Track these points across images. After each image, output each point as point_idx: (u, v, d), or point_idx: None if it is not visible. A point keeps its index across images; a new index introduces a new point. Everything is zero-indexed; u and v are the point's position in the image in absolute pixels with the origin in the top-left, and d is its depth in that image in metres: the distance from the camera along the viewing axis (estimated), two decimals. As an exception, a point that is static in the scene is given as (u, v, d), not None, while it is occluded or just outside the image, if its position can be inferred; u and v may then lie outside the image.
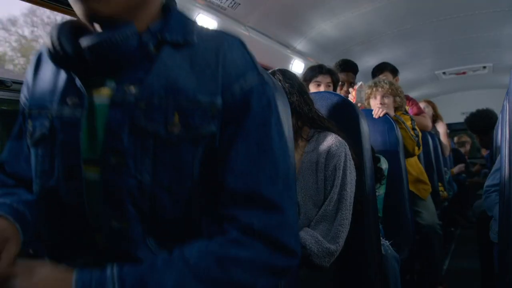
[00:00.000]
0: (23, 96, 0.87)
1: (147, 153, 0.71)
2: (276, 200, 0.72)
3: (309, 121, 1.62)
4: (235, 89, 0.73)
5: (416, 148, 2.61)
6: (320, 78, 2.63)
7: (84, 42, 0.70)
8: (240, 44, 0.78)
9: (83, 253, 0.77)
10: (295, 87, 1.61)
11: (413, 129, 2.70)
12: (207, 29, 0.80)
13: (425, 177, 2.94)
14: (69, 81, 0.77)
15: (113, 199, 0.72)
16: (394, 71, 3.52)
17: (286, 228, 0.72)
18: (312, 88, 2.59)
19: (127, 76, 0.73)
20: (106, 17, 0.69)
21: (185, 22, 0.79)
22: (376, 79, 2.87)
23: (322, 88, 2.62)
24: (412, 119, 2.78)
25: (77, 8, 0.69)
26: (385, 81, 2.80)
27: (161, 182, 0.71)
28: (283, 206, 0.73)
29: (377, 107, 2.46)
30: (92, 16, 0.69)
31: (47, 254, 0.84)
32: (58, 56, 0.75)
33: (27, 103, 0.85)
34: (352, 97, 2.92)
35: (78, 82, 0.75)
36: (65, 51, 0.73)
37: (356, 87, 2.73)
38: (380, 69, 3.54)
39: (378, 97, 2.74)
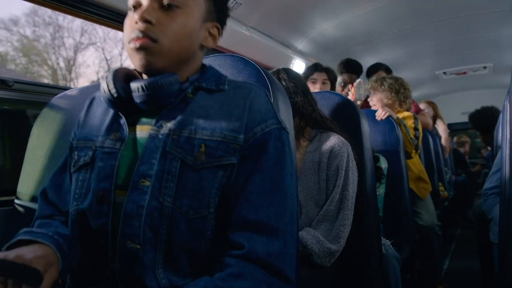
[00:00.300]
0: (73, 133, 1.01)
1: (172, 178, 0.81)
2: (280, 231, 0.81)
3: (312, 121, 1.62)
4: (257, 131, 0.85)
5: (414, 151, 2.63)
6: (315, 75, 2.66)
7: (134, 84, 0.85)
8: (265, 94, 0.91)
9: (98, 277, 0.85)
10: (299, 87, 1.62)
11: (416, 129, 2.71)
12: (237, 81, 0.95)
13: (425, 176, 2.94)
14: (115, 119, 0.92)
15: (133, 221, 0.80)
16: (388, 71, 3.53)
17: (286, 257, 0.81)
18: (309, 86, 2.61)
19: (166, 115, 0.86)
20: (158, 69, 0.86)
21: (219, 75, 0.95)
22: (380, 77, 2.89)
23: (318, 86, 2.65)
24: (415, 118, 2.78)
25: (136, 60, 0.85)
26: (392, 77, 2.84)
27: (181, 207, 0.80)
28: (285, 238, 0.81)
29: (380, 109, 2.47)
30: (147, 67, 0.85)
31: (70, 277, 0.93)
32: (110, 97, 0.88)
33: (75, 138, 0.99)
34: (350, 94, 2.95)
35: (122, 119, 0.90)
36: (117, 92, 0.87)
37: (354, 84, 2.74)
38: (375, 69, 3.56)
39: (379, 94, 2.77)
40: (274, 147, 0.85)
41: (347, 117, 1.77)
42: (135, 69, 0.93)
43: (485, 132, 4.48)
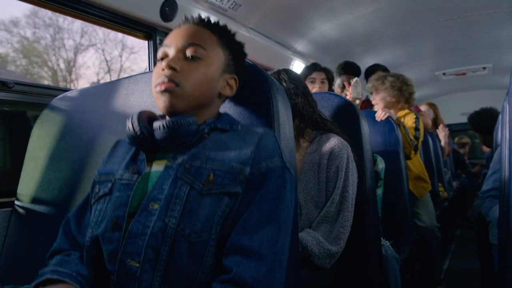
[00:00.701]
0: (97, 171, 1.09)
1: (179, 201, 0.87)
2: (269, 258, 0.85)
3: (312, 123, 1.62)
4: (262, 166, 0.91)
5: (413, 152, 2.64)
6: (314, 75, 2.70)
7: (157, 123, 0.94)
8: (273, 135, 0.98)
9: None
10: (300, 89, 1.62)
11: (417, 129, 2.71)
12: (249, 125, 1.05)
13: (425, 175, 2.94)
14: (135, 156, 1.01)
15: (137, 239, 0.85)
16: (386, 72, 3.55)
17: (272, 284, 0.84)
18: (308, 85, 2.63)
19: (182, 150, 0.95)
20: (180, 111, 0.95)
21: (233, 120, 1.04)
22: (382, 74, 2.89)
23: (316, 85, 2.68)
24: (417, 117, 2.79)
25: (161, 101, 0.95)
26: (392, 74, 2.84)
27: (184, 229, 0.84)
28: (273, 265, 0.85)
29: (380, 110, 2.47)
30: (170, 108, 0.94)
31: None
32: (134, 134, 0.97)
33: (98, 174, 1.07)
34: (349, 94, 2.96)
35: (142, 155, 0.99)
36: (141, 131, 0.96)
37: (352, 82, 2.74)
38: (373, 70, 3.57)
39: (382, 93, 2.78)
40: (276, 183, 0.91)
41: (347, 118, 1.77)
42: (154, 114, 1.06)
43: (484, 133, 4.48)
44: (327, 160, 1.53)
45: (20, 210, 1.59)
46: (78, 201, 1.43)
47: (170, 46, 1.00)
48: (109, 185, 1.00)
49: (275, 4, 3.06)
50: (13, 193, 1.64)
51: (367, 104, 3.37)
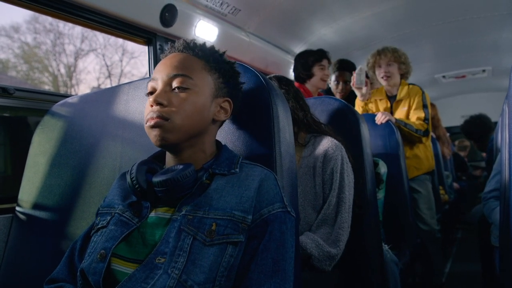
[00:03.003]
0: (101, 203, 1.09)
1: (183, 253, 0.86)
2: None
3: (304, 126, 1.64)
4: (264, 212, 0.91)
5: (424, 138, 2.68)
6: (324, 62, 2.81)
7: (155, 179, 0.93)
8: (274, 178, 0.98)
9: None
10: (291, 93, 1.64)
11: (424, 106, 2.75)
12: (249, 163, 1.02)
13: (428, 157, 2.92)
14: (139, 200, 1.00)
15: (137, 286, 0.84)
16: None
17: None
18: (317, 71, 2.91)
19: (186, 201, 0.93)
20: (173, 143, 0.95)
21: (232, 158, 1.02)
22: (379, 48, 2.89)
23: (326, 72, 2.94)
24: (423, 92, 2.84)
25: (152, 136, 0.94)
26: (388, 49, 2.83)
27: (186, 281, 0.83)
28: None
29: (379, 114, 2.48)
30: (162, 141, 0.94)
31: None
32: (134, 190, 0.97)
33: (101, 206, 1.08)
34: (338, 95, 3.05)
35: (147, 204, 0.98)
36: (140, 186, 0.95)
37: (357, 69, 2.76)
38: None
39: (383, 66, 2.80)
40: (279, 229, 0.91)
41: (347, 122, 1.78)
42: (154, 162, 1.04)
43: (478, 140, 4.51)
44: (322, 163, 1.54)
45: (21, 216, 1.59)
46: (79, 206, 1.43)
47: (157, 80, 0.99)
48: (108, 217, 1.01)
49: (274, 9, 3.07)
50: (14, 199, 1.64)
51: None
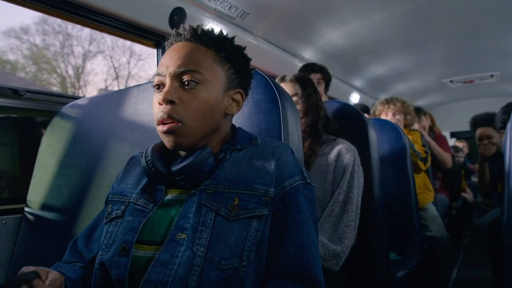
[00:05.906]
0: (111, 188, 1.09)
1: (206, 229, 0.84)
2: (321, 284, 0.88)
3: (324, 125, 1.69)
4: (286, 185, 0.90)
5: (421, 163, 2.69)
6: (312, 76, 2.73)
7: (174, 167, 0.92)
8: (291, 151, 0.97)
9: None
10: (317, 93, 1.73)
11: (423, 145, 2.77)
12: (264, 139, 1.01)
13: (428, 183, 2.97)
14: (152, 183, 0.98)
15: (164, 268, 0.82)
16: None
17: None
18: None
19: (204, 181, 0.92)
20: (187, 147, 0.92)
21: (250, 135, 1.01)
22: (389, 97, 2.98)
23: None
24: (421, 135, 2.87)
25: (166, 141, 0.92)
26: (397, 99, 2.93)
27: (212, 257, 0.82)
28: (322, 286, 0.88)
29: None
30: (176, 147, 0.91)
31: None
32: (151, 172, 0.94)
33: (111, 192, 1.06)
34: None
35: (161, 187, 0.96)
36: (156, 169, 0.93)
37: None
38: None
39: (390, 114, 2.89)
40: (304, 200, 0.91)
41: (355, 127, 1.78)
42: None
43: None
44: (335, 161, 1.56)
45: (30, 216, 1.60)
46: (87, 208, 1.44)
47: (164, 75, 0.92)
48: (122, 207, 0.98)
49: (283, 13, 3.08)
50: (23, 199, 1.65)
51: None
